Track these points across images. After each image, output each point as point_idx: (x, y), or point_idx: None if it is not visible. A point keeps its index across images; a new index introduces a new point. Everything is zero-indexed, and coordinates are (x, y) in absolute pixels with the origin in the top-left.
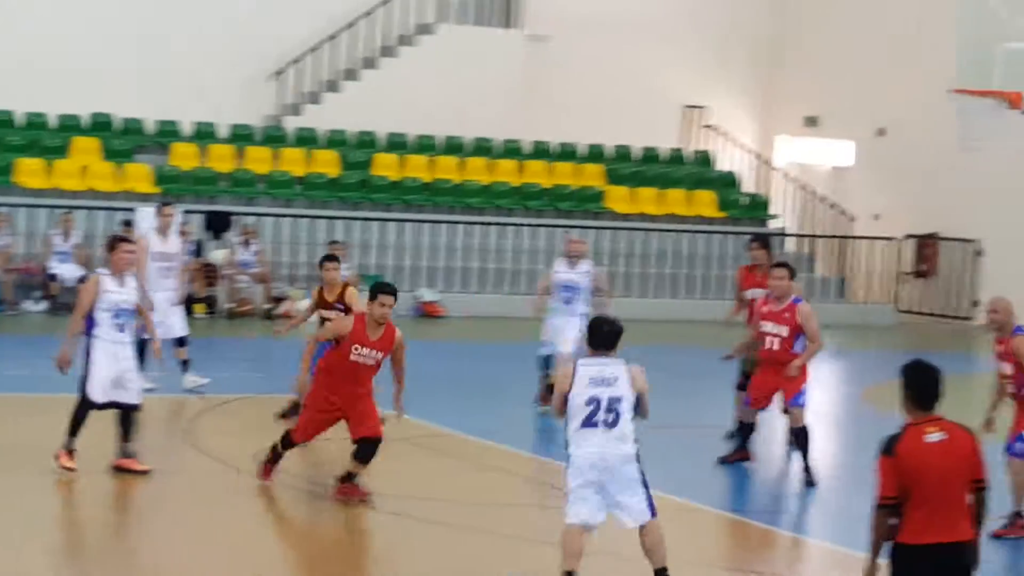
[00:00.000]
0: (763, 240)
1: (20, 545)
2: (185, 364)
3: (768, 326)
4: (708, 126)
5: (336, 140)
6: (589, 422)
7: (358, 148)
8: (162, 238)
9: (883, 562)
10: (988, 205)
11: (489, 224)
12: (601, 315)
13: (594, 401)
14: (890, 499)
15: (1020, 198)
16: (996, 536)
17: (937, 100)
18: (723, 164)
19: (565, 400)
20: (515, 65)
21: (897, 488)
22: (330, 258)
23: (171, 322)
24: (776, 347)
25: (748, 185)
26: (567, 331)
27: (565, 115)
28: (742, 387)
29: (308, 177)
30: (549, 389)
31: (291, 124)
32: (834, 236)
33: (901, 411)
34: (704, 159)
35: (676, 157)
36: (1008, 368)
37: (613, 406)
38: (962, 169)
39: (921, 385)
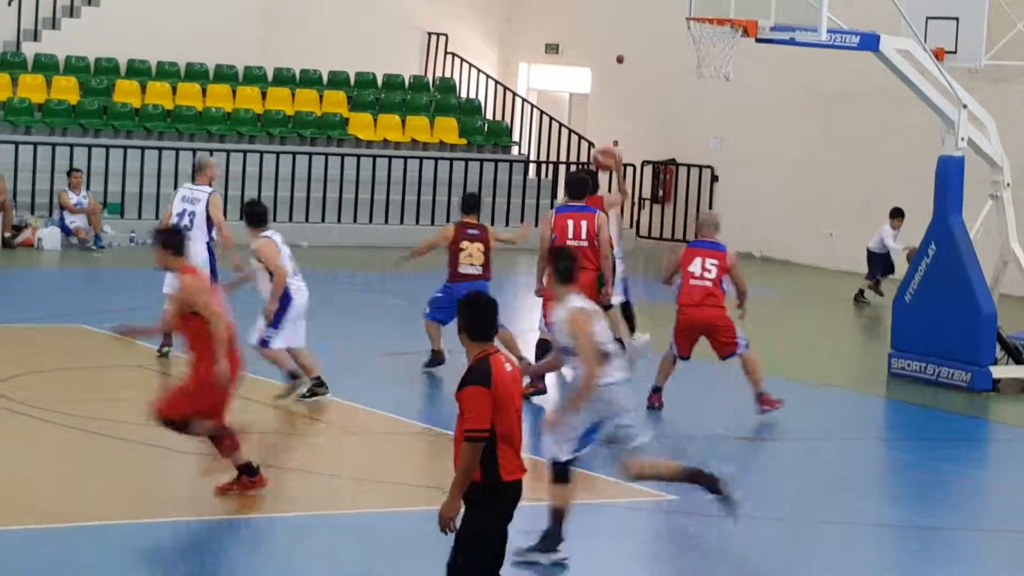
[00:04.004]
0: None
1: None
2: None
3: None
4: (451, 53)
5: (76, 66)
6: None
7: (99, 74)
8: None
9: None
10: (723, 132)
11: (232, 151)
12: None
13: None
14: (487, 431)
15: (753, 125)
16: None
17: (675, 28)
18: (465, 91)
19: None
20: None
21: (490, 420)
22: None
23: None
24: None
25: (490, 112)
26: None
27: (308, 42)
28: None
29: (48, 104)
30: None
31: (30, 50)
32: (574, 163)
33: (464, 344)
34: (446, 86)
35: (419, 84)
36: None
37: None
38: (698, 97)
39: (481, 317)
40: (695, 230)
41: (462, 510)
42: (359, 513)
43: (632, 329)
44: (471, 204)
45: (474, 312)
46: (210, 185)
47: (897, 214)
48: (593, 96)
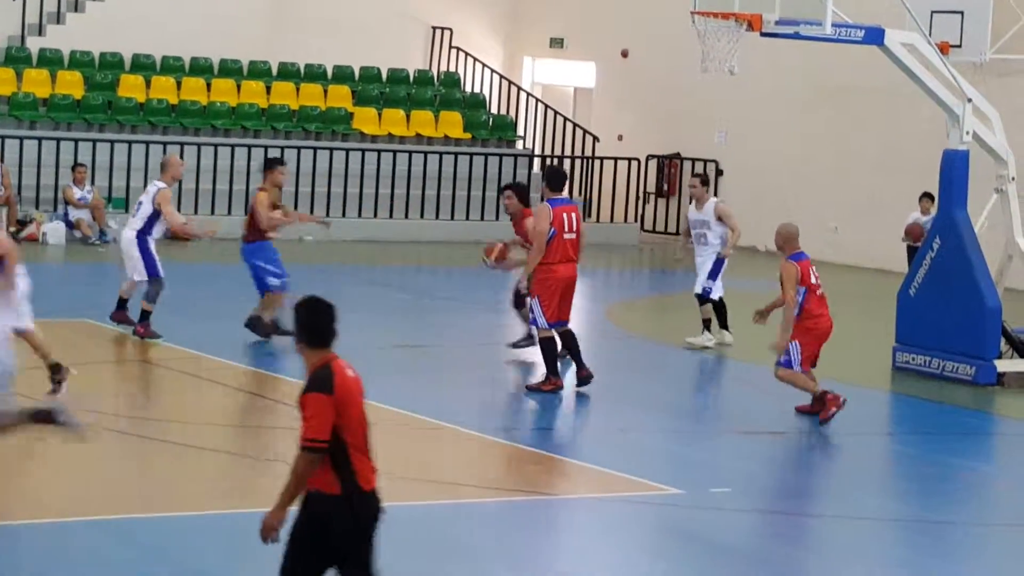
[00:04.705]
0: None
1: None
2: None
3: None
4: (455, 47)
5: (81, 61)
6: None
7: (103, 69)
8: None
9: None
10: (728, 126)
11: (236, 146)
12: None
13: None
14: (326, 442)
15: (757, 119)
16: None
17: (679, 22)
18: (470, 86)
19: None
20: None
21: (331, 431)
22: (280, 161)
23: None
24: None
25: (495, 106)
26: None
27: (313, 36)
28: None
29: (52, 99)
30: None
31: (34, 44)
32: (578, 157)
33: (301, 352)
34: (451, 80)
35: (423, 78)
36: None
37: None
38: (703, 90)
39: (320, 322)
40: (783, 245)
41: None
42: None
43: (724, 324)
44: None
45: (312, 317)
46: (169, 183)
47: (926, 196)
48: (598, 90)
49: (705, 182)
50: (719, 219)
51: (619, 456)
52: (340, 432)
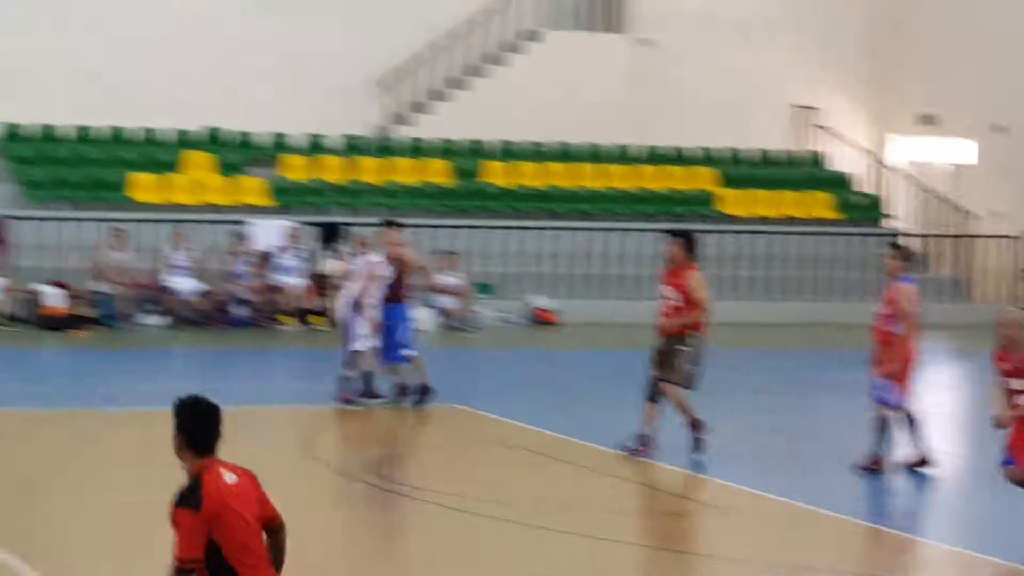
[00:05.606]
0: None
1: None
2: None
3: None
4: (819, 126)
5: (446, 149)
6: None
7: (468, 157)
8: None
9: None
10: None
11: (602, 230)
12: None
13: None
14: (197, 561)
15: None
16: None
17: None
18: (835, 164)
19: None
20: (623, 69)
21: (203, 547)
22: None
23: None
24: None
25: (861, 185)
26: None
27: (674, 118)
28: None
29: (419, 187)
30: None
31: (400, 134)
32: (952, 235)
33: (181, 456)
34: (816, 159)
35: (788, 158)
36: (1018, 384)
37: None
38: None
39: (200, 426)
40: (1020, 336)
41: None
42: None
43: None
44: None
45: (194, 419)
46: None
47: None
48: (975, 166)
49: None
50: None
51: (1001, 542)
52: (219, 546)
